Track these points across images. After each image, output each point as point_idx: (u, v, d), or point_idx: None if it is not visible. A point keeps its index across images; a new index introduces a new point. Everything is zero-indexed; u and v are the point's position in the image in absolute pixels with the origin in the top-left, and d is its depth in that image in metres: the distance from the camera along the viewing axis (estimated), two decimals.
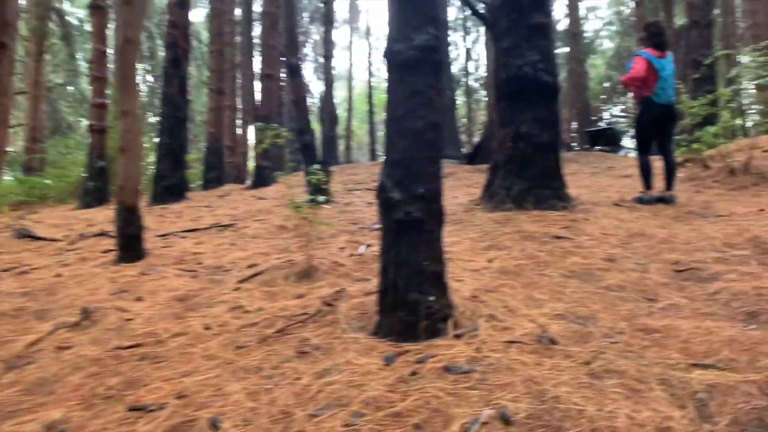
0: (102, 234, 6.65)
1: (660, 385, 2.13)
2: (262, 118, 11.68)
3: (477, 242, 4.46)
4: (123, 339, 3.03)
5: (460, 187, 8.43)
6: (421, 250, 2.71)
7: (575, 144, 20.25)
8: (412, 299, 2.67)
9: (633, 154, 11.30)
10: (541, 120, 5.33)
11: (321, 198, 4.21)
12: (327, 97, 18.91)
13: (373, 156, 22.67)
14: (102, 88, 11.71)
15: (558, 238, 4.42)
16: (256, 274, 4.15)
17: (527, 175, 5.32)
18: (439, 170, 2.81)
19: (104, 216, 8.99)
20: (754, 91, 11.73)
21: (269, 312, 3.32)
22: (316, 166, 7.56)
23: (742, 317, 2.81)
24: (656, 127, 6.03)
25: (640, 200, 5.89)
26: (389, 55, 2.81)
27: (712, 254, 3.91)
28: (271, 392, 2.26)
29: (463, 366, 2.32)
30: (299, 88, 7.75)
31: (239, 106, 22.54)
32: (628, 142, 12.82)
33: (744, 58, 7.06)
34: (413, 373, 2.29)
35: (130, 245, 4.88)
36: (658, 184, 6.17)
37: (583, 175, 8.70)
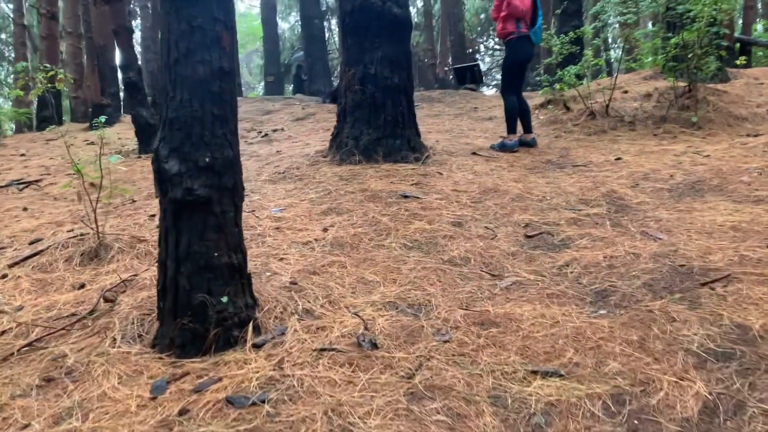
0: None
1: (491, 407, 1.79)
2: (100, 48, 10.21)
3: (316, 205, 3.96)
4: None
5: (317, 131, 7.85)
6: (210, 239, 2.15)
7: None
8: (197, 302, 2.13)
9: (490, 92, 11.13)
10: (391, 59, 4.84)
11: (116, 157, 3.47)
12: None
13: (239, 93, 21.17)
14: None
15: (405, 197, 4.03)
16: (33, 254, 3.39)
17: (377, 123, 4.86)
18: (233, 132, 2.23)
19: None
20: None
21: (30, 312, 2.64)
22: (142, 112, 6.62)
23: (591, 298, 2.57)
24: (523, 68, 5.79)
25: (503, 146, 5.67)
26: None
27: (565, 214, 3.71)
28: None
29: (252, 395, 1.85)
30: (118, 16, 6.65)
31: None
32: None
33: None
34: (182, 412, 1.78)
35: None
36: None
37: (446, 117, 8.43)
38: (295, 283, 2.71)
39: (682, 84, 6.59)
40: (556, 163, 5.09)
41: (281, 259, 3.06)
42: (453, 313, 2.42)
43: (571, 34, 6.79)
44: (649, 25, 12.76)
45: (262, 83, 23.29)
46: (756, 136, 5.49)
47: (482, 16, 35.57)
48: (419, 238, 3.33)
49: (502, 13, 5.56)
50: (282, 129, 8.85)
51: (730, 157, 4.61)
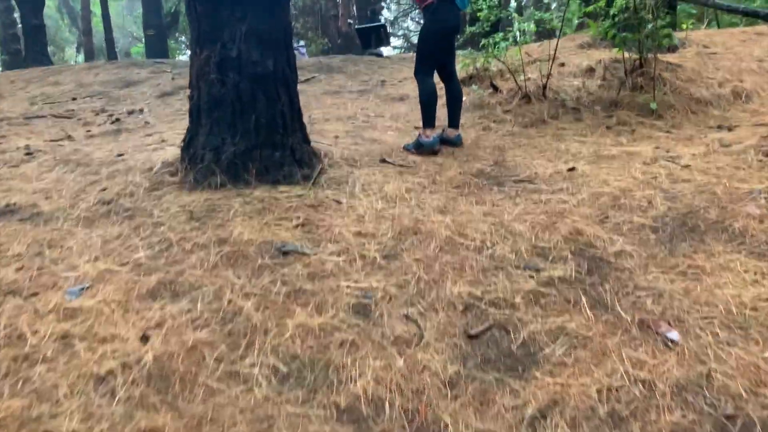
0: None
1: None
2: None
3: (143, 274, 2.68)
4: None
5: (183, 115, 6.38)
6: None
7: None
8: None
9: (392, 52, 9.91)
10: (261, 36, 3.53)
11: None
12: None
13: (112, 52, 18.38)
14: None
15: (284, 254, 2.83)
16: None
17: (245, 128, 3.58)
18: None
19: None
20: None
21: None
22: None
23: None
24: (446, 41, 4.64)
25: (419, 146, 4.55)
26: None
27: (519, 281, 2.64)
28: None
29: None
30: None
31: None
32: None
33: None
34: None
35: None
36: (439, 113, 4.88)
37: (348, 95, 7.17)
38: None
39: (629, 56, 5.69)
40: (492, 177, 4.02)
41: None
42: None
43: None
44: None
45: None
46: (730, 129, 4.66)
47: None
48: (301, 355, 2.15)
49: None
50: (140, 110, 7.31)
51: (717, 169, 3.70)
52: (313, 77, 8.44)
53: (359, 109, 6.40)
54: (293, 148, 3.73)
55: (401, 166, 4.23)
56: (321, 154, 4.14)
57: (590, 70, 6.12)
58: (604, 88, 5.67)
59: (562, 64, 6.45)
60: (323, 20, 29.64)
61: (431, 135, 4.55)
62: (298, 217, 3.22)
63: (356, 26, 12.33)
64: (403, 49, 27.53)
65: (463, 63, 6.42)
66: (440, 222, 3.24)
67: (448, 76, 4.78)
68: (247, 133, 3.59)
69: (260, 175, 3.60)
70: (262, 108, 3.58)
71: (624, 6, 5.54)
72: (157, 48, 17.49)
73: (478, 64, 6.42)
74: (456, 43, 4.94)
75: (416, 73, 4.62)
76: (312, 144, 4.19)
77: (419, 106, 4.66)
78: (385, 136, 5.24)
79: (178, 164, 3.87)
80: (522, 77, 5.93)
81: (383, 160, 4.31)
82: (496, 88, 5.98)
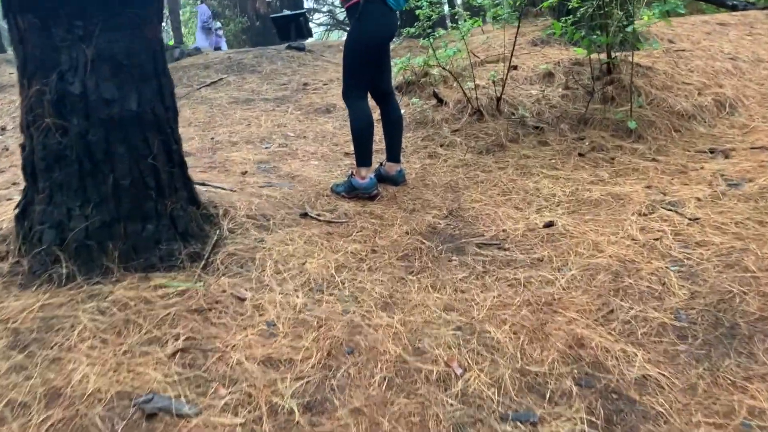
0: None
1: None
2: None
3: None
4: None
5: None
6: None
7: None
8: None
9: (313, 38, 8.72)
10: (116, 60, 2.53)
11: None
12: None
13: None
14: None
15: (150, 417, 1.88)
16: None
17: (100, 194, 2.57)
18: None
19: None
20: None
21: None
22: None
23: None
24: (379, 53, 3.71)
25: (352, 189, 3.67)
26: None
27: None
28: None
29: None
30: None
31: None
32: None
33: None
34: None
35: None
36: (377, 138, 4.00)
37: (262, 106, 6.14)
38: None
39: (595, 56, 4.95)
40: (448, 237, 3.16)
41: None
42: None
43: None
44: None
45: None
46: (727, 156, 3.97)
47: None
48: None
49: None
50: (2, 129, 6.09)
51: (737, 226, 2.97)
52: (220, 79, 7.35)
53: (275, 126, 5.41)
54: (174, 216, 2.75)
55: (329, 222, 3.31)
56: (218, 214, 3.16)
57: (549, 75, 5.35)
58: (569, 99, 4.91)
59: (515, 67, 5.65)
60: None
61: (367, 176, 3.65)
62: (177, 337, 2.26)
63: (271, 15, 11.21)
64: (328, 29, 26.30)
65: (399, 67, 5.53)
66: (386, 328, 2.36)
67: (384, 97, 3.88)
68: (104, 201, 2.59)
69: (126, 259, 2.61)
70: (123, 165, 2.58)
71: None
72: None
73: (417, 68, 5.55)
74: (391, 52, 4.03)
75: (345, 96, 3.69)
76: (206, 196, 3.22)
77: (351, 133, 3.75)
78: (307, 168, 4.30)
79: (12, 240, 2.82)
80: (471, 84, 5.10)
81: (305, 214, 3.38)
82: (440, 100, 5.12)
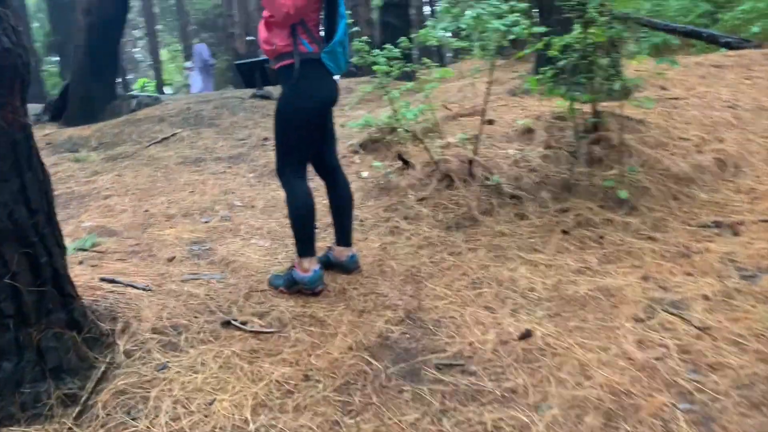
0: None
1: None
2: None
3: None
4: None
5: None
6: None
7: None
8: None
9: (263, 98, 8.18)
10: None
11: None
12: None
13: None
14: None
15: None
16: None
17: None
18: None
19: None
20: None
21: None
22: None
23: None
24: (319, 121, 3.17)
25: (292, 283, 3.13)
26: None
27: None
28: None
29: None
30: None
31: None
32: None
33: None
34: None
35: None
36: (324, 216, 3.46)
37: (213, 168, 5.60)
38: None
39: (579, 107, 4.44)
40: (401, 356, 2.59)
41: None
42: None
43: (404, 41, 4.28)
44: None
45: None
46: (736, 233, 3.45)
47: None
48: None
49: (264, 14, 2.97)
50: None
51: (759, 341, 2.41)
52: (173, 135, 6.83)
53: (222, 192, 4.87)
54: (42, 348, 2.18)
55: (256, 334, 2.74)
56: (115, 330, 2.59)
57: (528, 132, 4.86)
58: (550, 160, 4.40)
59: (491, 122, 5.16)
60: (220, 40, 28.02)
61: (310, 268, 3.09)
62: None
63: (235, 62, 10.77)
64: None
65: (362, 122, 5.03)
66: None
67: (329, 173, 3.35)
68: None
69: None
70: None
71: (567, 46, 4.29)
72: None
73: (380, 123, 5.06)
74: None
75: (280, 174, 3.16)
76: (108, 302, 2.66)
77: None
78: (248, 250, 3.75)
79: None
80: (439, 143, 4.60)
81: (227, 323, 2.81)
82: (406, 162, 4.61)
